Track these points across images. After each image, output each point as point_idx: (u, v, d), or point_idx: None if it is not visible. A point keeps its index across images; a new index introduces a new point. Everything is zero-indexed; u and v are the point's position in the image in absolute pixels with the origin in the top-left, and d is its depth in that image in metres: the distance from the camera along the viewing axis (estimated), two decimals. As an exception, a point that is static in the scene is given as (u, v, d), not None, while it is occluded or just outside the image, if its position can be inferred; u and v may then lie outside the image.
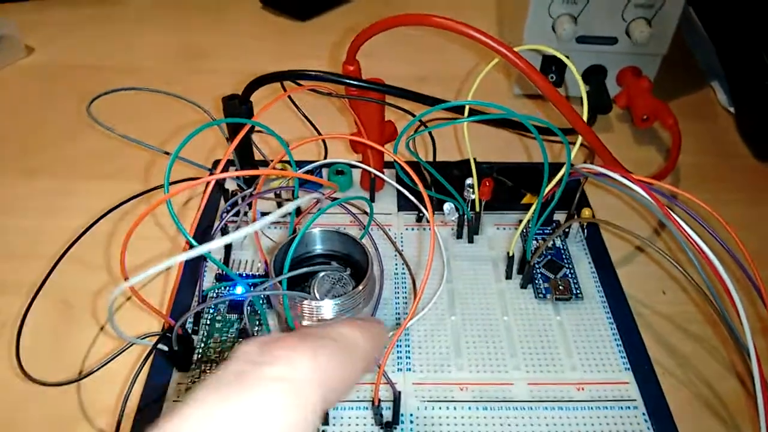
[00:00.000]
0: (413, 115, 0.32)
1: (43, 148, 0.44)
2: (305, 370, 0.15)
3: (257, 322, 0.30)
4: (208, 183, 0.25)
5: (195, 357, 0.29)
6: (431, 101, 0.33)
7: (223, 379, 0.15)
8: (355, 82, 0.31)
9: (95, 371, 0.28)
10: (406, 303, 0.32)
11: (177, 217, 0.24)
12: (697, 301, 0.34)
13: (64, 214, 0.38)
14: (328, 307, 0.27)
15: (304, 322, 0.27)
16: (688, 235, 0.25)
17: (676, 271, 0.36)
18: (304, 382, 0.15)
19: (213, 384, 0.15)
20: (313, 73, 0.31)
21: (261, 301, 0.30)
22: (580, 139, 0.30)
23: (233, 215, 0.36)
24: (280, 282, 0.25)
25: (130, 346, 0.29)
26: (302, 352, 0.16)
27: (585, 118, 0.28)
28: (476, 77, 0.30)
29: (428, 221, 0.36)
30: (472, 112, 0.34)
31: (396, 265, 0.34)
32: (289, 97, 0.34)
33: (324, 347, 0.17)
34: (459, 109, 0.37)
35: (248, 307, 0.29)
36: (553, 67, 0.45)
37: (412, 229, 0.36)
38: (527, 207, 0.37)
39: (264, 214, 0.37)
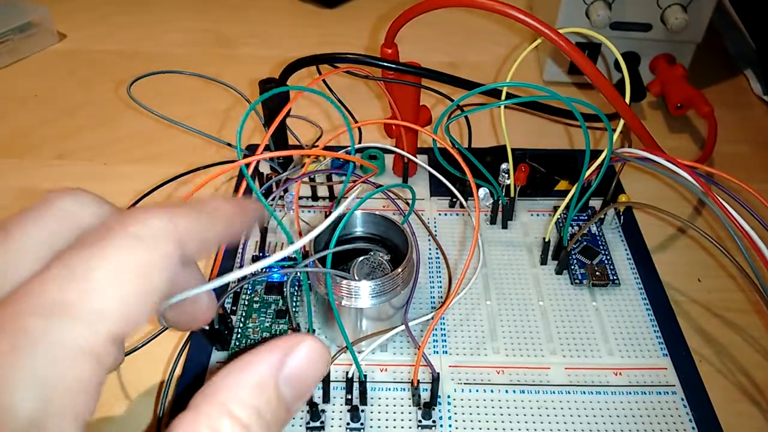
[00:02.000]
0: (451, 100, 0.32)
1: (76, 132, 0.45)
2: (158, 228, 0.16)
3: (296, 303, 0.31)
4: (249, 164, 0.25)
5: (234, 336, 0.29)
6: (469, 85, 0.33)
7: (93, 236, 0.16)
8: (393, 65, 0.31)
9: (138, 348, 0.29)
10: (441, 287, 0.32)
11: (256, 188, 0.24)
12: (736, 289, 0.34)
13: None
14: (366, 288, 0.27)
15: (344, 302, 0.27)
16: (734, 217, 0.24)
17: (711, 258, 0.35)
18: (156, 236, 0.16)
19: (86, 240, 0.16)
20: (352, 56, 0.31)
21: (306, 279, 0.30)
22: (621, 124, 0.29)
23: (265, 197, 0.36)
24: (322, 261, 0.25)
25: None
26: (159, 214, 0.17)
27: (627, 100, 0.28)
28: (509, 61, 0.30)
29: (462, 206, 0.36)
30: (510, 97, 0.34)
31: (430, 249, 0.34)
32: (324, 81, 0.34)
33: (180, 208, 0.18)
34: (493, 95, 0.36)
35: (288, 288, 0.30)
36: (585, 53, 0.45)
37: (445, 215, 0.36)
38: (560, 194, 0.37)
39: (299, 198, 0.37)
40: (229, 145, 0.34)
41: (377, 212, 0.30)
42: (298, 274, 0.29)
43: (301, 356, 0.17)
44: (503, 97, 0.32)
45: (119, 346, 0.15)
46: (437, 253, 0.34)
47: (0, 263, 0.16)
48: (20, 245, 0.16)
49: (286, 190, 0.34)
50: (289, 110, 0.33)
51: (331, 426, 0.26)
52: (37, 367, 0.13)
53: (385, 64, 0.32)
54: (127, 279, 0.15)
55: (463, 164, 0.26)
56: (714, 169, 0.27)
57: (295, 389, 0.17)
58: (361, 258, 0.29)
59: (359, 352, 0.28)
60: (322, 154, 0.27)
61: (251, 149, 0.40)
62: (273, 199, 0.34)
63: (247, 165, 0.26)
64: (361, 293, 0.27)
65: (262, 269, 0.32)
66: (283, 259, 0.33)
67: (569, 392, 0.27)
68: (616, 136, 0.29)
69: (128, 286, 0.15)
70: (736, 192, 0.27)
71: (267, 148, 0.38)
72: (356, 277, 0.28)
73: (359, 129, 0.39)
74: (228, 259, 0.33)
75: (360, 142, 0.38)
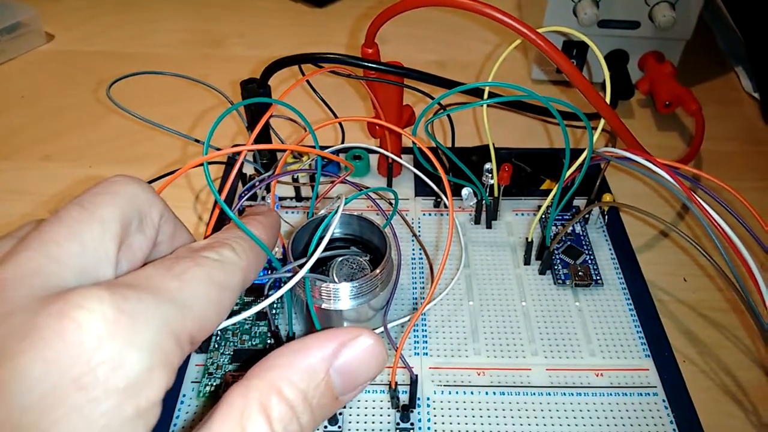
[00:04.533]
0: (432, 98, 0.32)
1: (63, 134, 0.44)
2: (231, 258, 0.19)
3: (278, 305, 0.31)
4: (237, 159, 0.25)
5: (213, 338, 0.29)
6: (450, 84, 0.32)
7: (182, 251, 0.19)
8: (374, 65, 0.31)
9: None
10: (423, 288, 0.32)
11: (213, 184, 0.24)
12: (720, 289, 0.34)
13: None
14: (345, 290, 0.27)
15: (323, 305, 0.27)
16: (713, 218, 0.24)
17: (696, 258, 0.35)
18: (232, 264, 0.19)
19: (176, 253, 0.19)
20: (332, 55, 0.31)
21: (281, 285, 0.30)
22: (602, 122, 0.29)
23: (250, 198, 0.36)
24: (300, 265, 0.25)
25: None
26: (227, 247, 0.19)
27: (608, 100, 0.28)
28: (496, 60, 0.30)
29: (446, 206, 0.36)
30: (492, 96, 0.34)
31: (413, 250, 0.34)
32: (308, 81, 0.34)
33: (245, 242, 0.20)
34: (478, 94, 0.36)
35: (268, 293, 0.30)
36: (574, 51, 0.45)
37: (430, 215, 0.36)
38: (546, 193, 0.37)
39: (282, 198, 0.37)
40: (197, 141, 0.34)
41: (356, 213, 0.30)
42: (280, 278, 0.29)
43: (357, 349, 0.18)
44: (485, 96, 0.32)
45: (190, 347, 0.16)
46: (420, 254, 0.34)
47: (88, 239, 0.16)
48: (101, 223, 0.17)
49: (268, 190, 0.34)
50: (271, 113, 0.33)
51: (309, 429, 0.26)
52: (148, 335, 0.15)
53: (367, 64, 0.31)
54: (211, 290, 0.17)
55: (437, 165, 0.26)
56: (694, 169, 0.27)
57: (345, 381, 0.17)
58: (340, 259, 0.29)
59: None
60: (296, 149, 0.27)
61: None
62: (254, 199, 0.34)
63: (231, 161, 0.26)
64: (340, 295, 0.27)
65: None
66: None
67: (550, 393, 0.27)
68: (596, 135, 0.29)
69: (211, 295, 0.17)
70: (717, 192, 0.27)
71: (251, 154, 0.38)
72: (335, 279, 0.28)
73: (342, 129, 0.38)
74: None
75: (344, 143, 0.38)
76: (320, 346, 0.17)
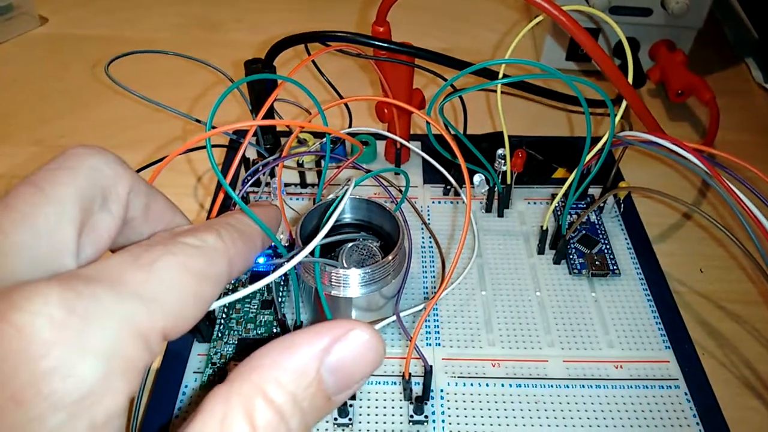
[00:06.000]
0: (445, 80, 0.30)
1: (55, 118, 0.43)
2: (213, 243, 0.17)
3: (283, 294, 0.29)
4: (246, 136, 0.23)
5: (216, 328, 0.28)
6: (463, 65, 0.31)
7: (157, 237, 0.16)
8: (385, 44, 0.30)
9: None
10: (434, 277, 0.31)
11: (215, 161, 0.22)
12: (737, 281, 0.33)
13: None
14: (355, 277, 0.25)
15: (333, 292, 0.26)
16: (740, 199, 0.23)
17: (712, 248, 0.34)
18: (213, 251, 0.17)
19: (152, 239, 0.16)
20: (341, 34, 0.30)
21: (293, 269, 0.28)
22: (624, 105, 0.28)
23: (254, 185, 0.35)
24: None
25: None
26: (210, 232, 0.17)
27: (630, 80, 0.27)
28: (509, 45, 0.29)
29: (456, 194, 0.35)
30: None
31: (423, 238, 0.33)
32: (314, 62, 0.33)
33: (228, 228, 0.18)
34: (491, 78, 0.35)
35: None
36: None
37: (439, 203, 0.35)
38: (558, 182, 0.36)
39: (287, 185, 0.36)
40: (198, 121, 0.33)
41: (367, 198, 0.28)
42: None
43: (350, 345, 0.15)
44: (501, 75, 0.31)
45: (161, 345, 0.14)
46: (430, 242, 0.33)
47: (42, 225, 0.14)
48: (56, 205, 0.15)
49: (272, 175, 0.33)
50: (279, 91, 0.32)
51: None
52: (105, 338, 0.13)
53: (377, 42, 0.30)
54: (186, 281, 0.15)
55: (455, 148, 0.24)
56: (720, 152, 0.26)
57: (339, 380, 0.15)
58: (350, 245, 0.28)
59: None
60: (305, 126, 0.26)
61: (241, 135, 0.39)
62: (258, 185, 0.33)
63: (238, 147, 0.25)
64: (350, 282, 0.26)
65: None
66: (270, 250, 0.32)
67: (568, 386, 0.26)
68: (618, 118, 0.28)
69: (187, 287, 0.15)
70: (741, 174, 0.26)
71: (255, 135, 0.37)
72: (345, 265, 0.27)
73: (350, 113, 0.37)
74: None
75: (350, 127, 0.37)
76: (310, 342, 0.15)
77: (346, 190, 0.24)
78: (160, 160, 0.37)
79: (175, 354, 0.27)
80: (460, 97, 0.35)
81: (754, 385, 0.28)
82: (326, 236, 0.25)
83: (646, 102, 0.45)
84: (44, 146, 0.40)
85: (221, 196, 0.26)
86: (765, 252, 0.23)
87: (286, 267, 0.21)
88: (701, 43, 0.45)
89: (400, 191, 0.35)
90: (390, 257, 0.26)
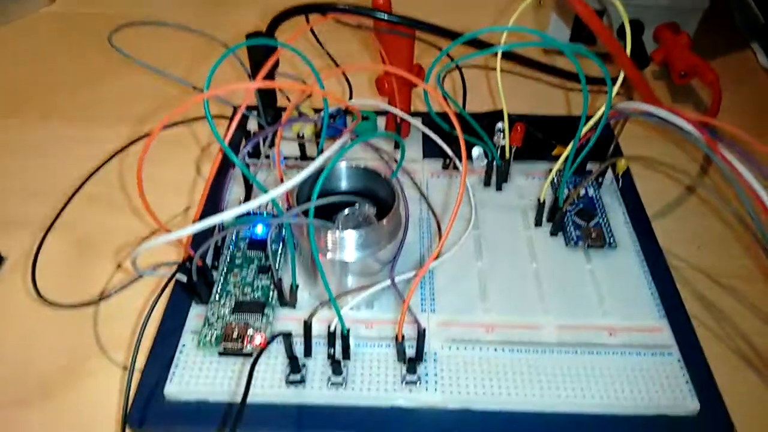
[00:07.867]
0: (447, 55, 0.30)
1: (62, 94, 0.44)
2: None
3: (280, 261, 0.30)
4: (243, 100, 0.24)
5: (214, 290, 0.28)
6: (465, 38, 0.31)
7: None
8: (386, 16, 0.30)
9: (112, 294, 0.28)
10: (430, 248, 0.31)
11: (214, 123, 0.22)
12: (734, 256, 0.33)
13: (83, 156, 0.38)
14: (350, 239, 0.26)
15: (328, 255, 0.26)
16: (738, 171, 0.23)
17: (710, 225, 0.34)
18: None
19: None
20: (342, 6, 0.30)
21: (290, 235, 0.28)
22: (621, 75, 0.28)
23: (253, 156, 0.35)
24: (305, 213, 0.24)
25: (150, 274, 0.28)
26: None
27: (628, 51, 0.27)
28: (518, 6, 0.29)
29: (455, 168, 0.35)
30: (505, 55, 0.33)
31: (421, 211, 0.33)
32: (313, 33, 0.33)
33: None
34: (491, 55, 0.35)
35: (270, 245, 0.29)
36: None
37: (438, 177, 0.35)
38: (557, 159, 0.36)
39: (286, 158, 0.36)
40: (194, 88, 0.33)
41: (363, 164, 0.29)
42: (282, 229, 0.28)
43: None
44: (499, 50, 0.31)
45: None
46: (428, 215, 0.33)
47: None
48: None
49: (272, 146, 0.33)
50: (278, 64, 0.32)
51: (312, 379, 0.25)
52: None
53: (379, 14, 0.30)
54: None
55: (453, 118, 0.24)
56: (720, 123, 0.26)
57: None
58: (346, 212, 0.28)
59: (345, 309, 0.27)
60: (306, 89, 0.26)
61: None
62: (258, 156, 0.33)
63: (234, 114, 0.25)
64: (345, 245, 0.26)
65: (237, 219, 0.31)
66: (267, 215, 0.32)
67: (561, 352, 0.26)
68: (616, 88, 0.28)
69: None
70: (741, 146, 0.26)
71: (255, 108, 0.37)
72: (340, 227, 0.27)
73: (350, 85, 0.37)
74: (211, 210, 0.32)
75: (351, 98, 0.37)
76: None
77: (341, 144, 0.24)
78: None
79: (175, 315, 0.27)
80: (460, 72, 0.35)
81: (749, 357, 0.28)
82: (323, 202, 0.26)
83: (651, 83, 0.45)
84: (51, 121, 0.41)
85: (219, 157, 0.26)
86: (763, 226, 0.23)
87: (283, 219, 0.21)
88: (708, 28, 0.45)
89: (396, 161, 0.35)
90: (384, 221, 0.26)
